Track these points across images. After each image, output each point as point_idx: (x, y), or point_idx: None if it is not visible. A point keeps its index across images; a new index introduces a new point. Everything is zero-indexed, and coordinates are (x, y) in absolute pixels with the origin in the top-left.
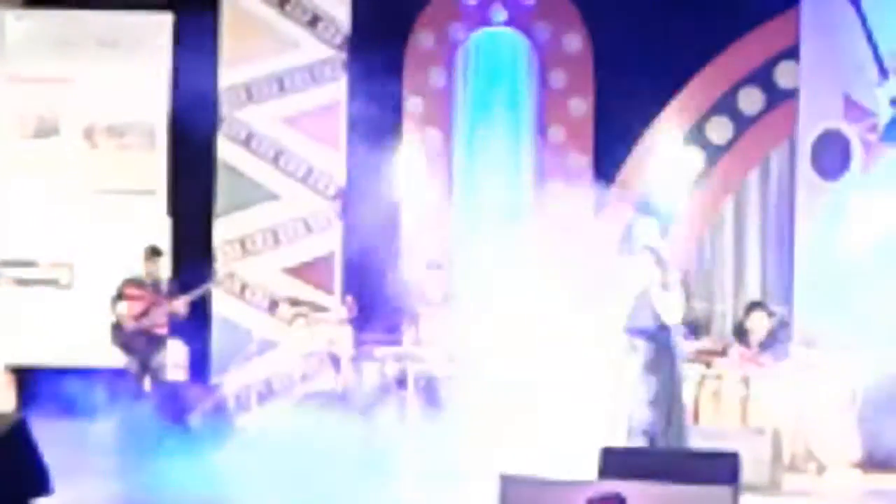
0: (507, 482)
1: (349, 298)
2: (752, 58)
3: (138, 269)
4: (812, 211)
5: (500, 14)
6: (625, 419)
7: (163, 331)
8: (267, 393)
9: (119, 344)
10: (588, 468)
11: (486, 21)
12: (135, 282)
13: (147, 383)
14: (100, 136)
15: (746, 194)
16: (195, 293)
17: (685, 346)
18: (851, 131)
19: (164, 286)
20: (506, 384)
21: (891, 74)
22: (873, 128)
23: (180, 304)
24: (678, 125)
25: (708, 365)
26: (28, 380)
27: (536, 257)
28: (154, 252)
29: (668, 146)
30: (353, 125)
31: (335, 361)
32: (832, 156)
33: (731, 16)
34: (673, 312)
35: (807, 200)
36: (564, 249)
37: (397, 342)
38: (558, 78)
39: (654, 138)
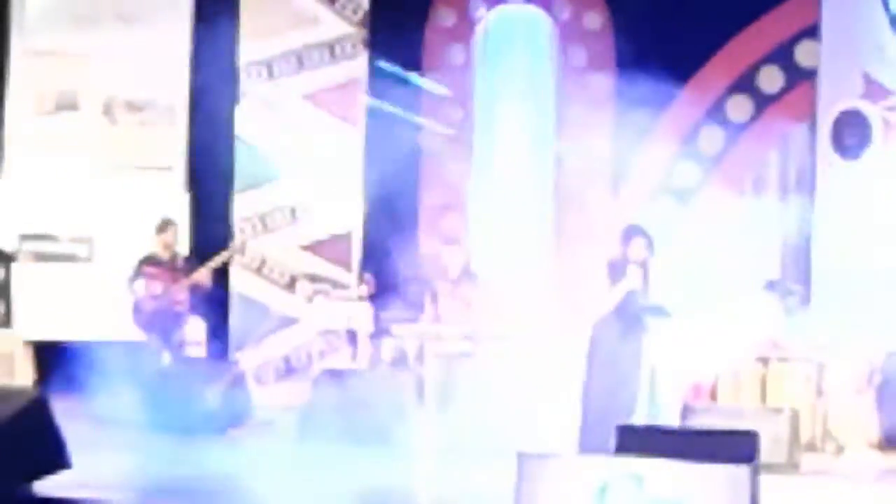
0: (525, 459)
1: (368, 275)
2: (772, 36)
3: (155, 243)
4: (832, 190)
5: None
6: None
7: (182, 308)
8: (285, 369)
9: (138, 322)
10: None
11: None
12: (152, 260)
13: (166, 359)
14: (119, 112)
15: (766, 173)
16: (216, 261)
17: None
18: (871, 110)
19: (182, 263)
20: (524, 360)
21: None
22: (893, 107)
23: (203, 275)
24: (698, 103)
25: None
26: (47, 354)
27: (555, 235)
28: (167, 223)
29: (687, 125)
30: (372, 102)
31: (353, 338)
32: (852, 135)
33: None
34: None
35: (827, 179)
36: (582, 228)
37: (416, 319)
38: (579, 55)
39: (674, 116)
